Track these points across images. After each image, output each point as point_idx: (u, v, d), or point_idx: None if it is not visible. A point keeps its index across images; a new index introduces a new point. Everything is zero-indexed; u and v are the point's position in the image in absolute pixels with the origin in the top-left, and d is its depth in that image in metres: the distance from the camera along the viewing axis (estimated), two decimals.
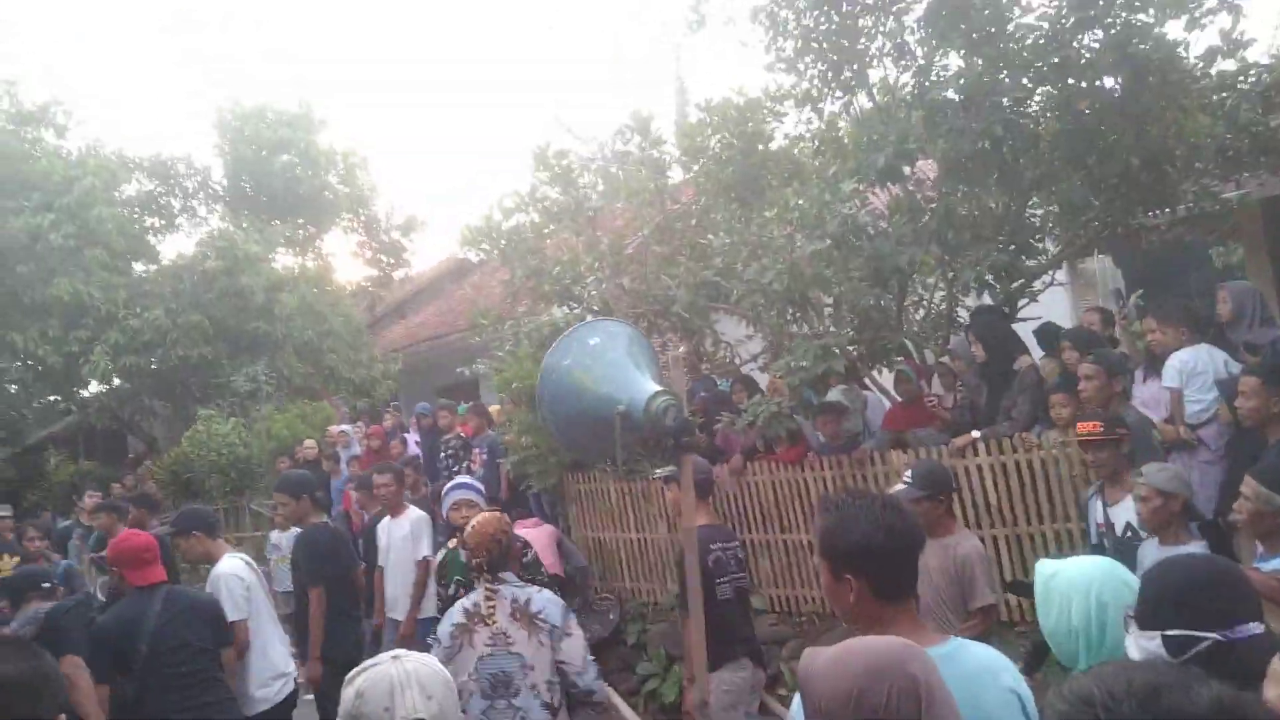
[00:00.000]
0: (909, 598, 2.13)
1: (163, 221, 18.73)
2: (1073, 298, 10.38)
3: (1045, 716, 1.34)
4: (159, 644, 4.38)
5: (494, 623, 3.77)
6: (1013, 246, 6.65)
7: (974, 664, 2.04)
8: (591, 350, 4.05)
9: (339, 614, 5.66)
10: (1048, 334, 6.89)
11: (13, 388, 15.33)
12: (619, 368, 3.95)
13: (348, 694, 1.77)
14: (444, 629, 3.87)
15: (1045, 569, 2.56)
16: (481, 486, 5.90)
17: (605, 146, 9.87)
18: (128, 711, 4.33)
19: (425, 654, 1.87)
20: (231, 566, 4.99)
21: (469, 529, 4.03)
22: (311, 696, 5.55)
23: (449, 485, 5.78)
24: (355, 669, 1.82)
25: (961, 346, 6.78)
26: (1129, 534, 4.28)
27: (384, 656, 1.83)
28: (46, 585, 4.92)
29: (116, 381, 16.22)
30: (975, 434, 6.16)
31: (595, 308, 7.93)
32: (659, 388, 3.77)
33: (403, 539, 6.51)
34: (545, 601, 3.90)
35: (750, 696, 4.81)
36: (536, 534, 7.24)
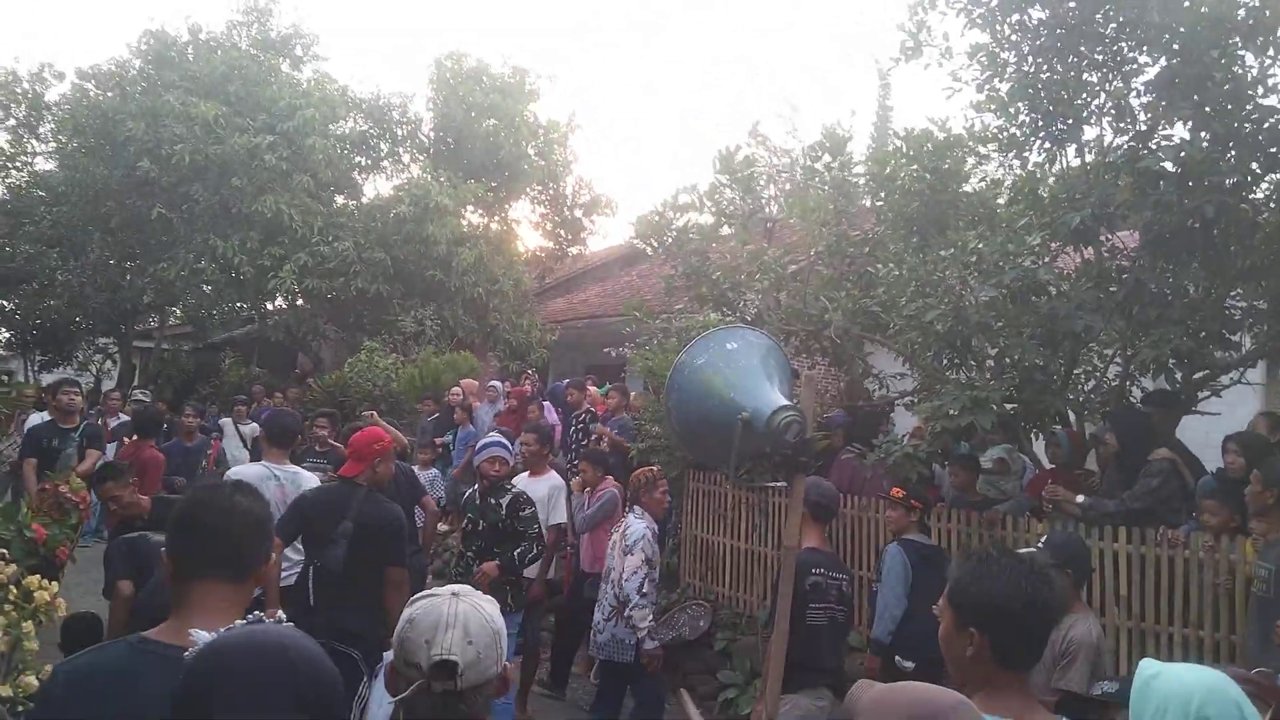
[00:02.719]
0: (1028, 668, 2.06)
1: (369, 161, 19.77)
2: (1266, 400, 9.59)
3: None
4: (360, 529, 4.63)
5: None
6: (1203, 334, 6.21)
7: None
8: (727, 354, 4.02)
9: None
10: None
11: (207, 288, 16.55)
12: (750, 376, 3.90)
13: (404, 615, 1.82)
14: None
15: (1148, 669, 2.40)
16: (509, 446, 6.27)
17: (797, 162, 9.80)
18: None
19: (488, 598, 1.87)
20: (242, 470, 5.62)
21: (638, 470, 6.15)
22: None
23: (486, 441, 6.24)
24: (419, 594, 1.87)
25: (1101, 434, 6.47)
26: None
27: (446, 590, 1.86)
28: None
29: (299, 302, 17.31)
30: (1080, 498, 5.86)
31: (749, 318, 7.88)
32: (786, 402, 3.72)
33: (538, 501, 6.42)
34: (634, 527, 5.75)
35: None
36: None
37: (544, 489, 6.68)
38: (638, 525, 5.76)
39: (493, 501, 5.84)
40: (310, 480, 5.55)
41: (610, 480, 7.24)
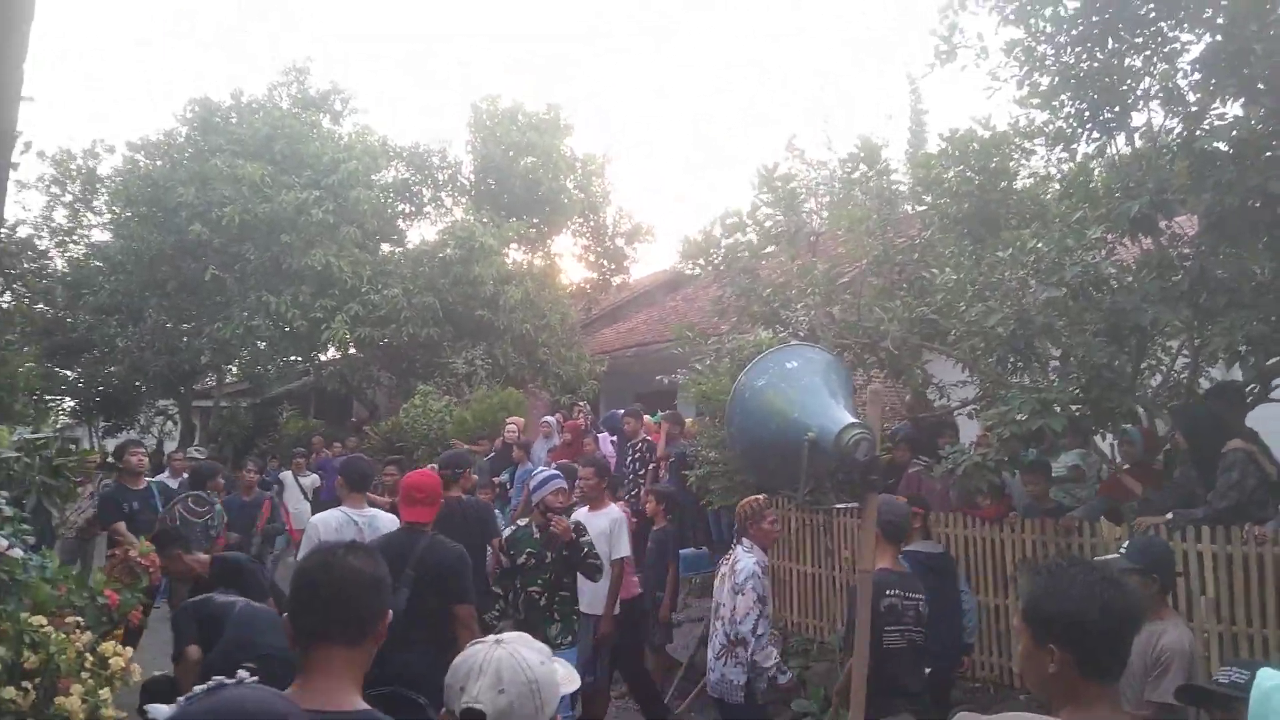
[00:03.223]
0: (1114, 679, 1.95)
1: (412, 208, 20.05)
2: None
3: None
4: (422, 573, 4.55)
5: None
6: (1275, 318, 5.97)
7: None
8: (788, 374, 3.94)
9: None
10: None
11: (261, 344, 16.83)
12: (814, 394, 3.81)
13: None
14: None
15: (1268, 680, 2.27)
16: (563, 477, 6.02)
17: (834, 174, 9.70)
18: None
19: (533, 649, 1.83)
20: (323, 517, 5.51)
21: (744, 500, 5.59)
22: None
23: (547, 474, 6.03)
24: (473, 642, 1.87)
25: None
26: None
27: (491, 638, 1.84)
28: None
29: (351, 351, 17.52)
30: (1169, 515, 5.62)
31: (801, 334, 7.76)
32: (853, 419, 3.62)
33: (599, 535, 6.32)
34: (743, 563, 5.25)
35: None
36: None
37: (605, 523, 6.56)
38: (746, 560, 5.30)
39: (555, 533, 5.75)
40: (389, 521, 5.53)
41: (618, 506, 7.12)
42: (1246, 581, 5.31)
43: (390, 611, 2.09)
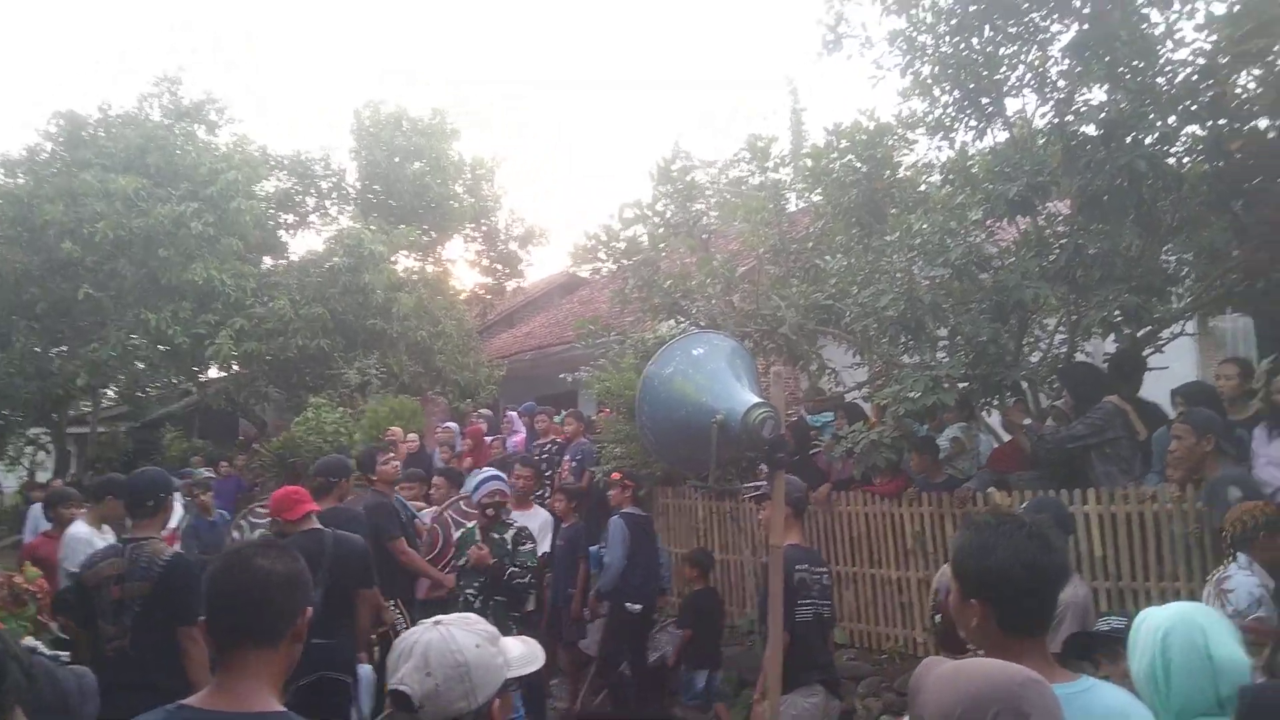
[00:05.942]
0: (1040, 634, 1.99)
1: (296, 218, 19.49)
2: (1200, 354, 9.84)
3: None
4: (334, 566, 4.82)
5: None
6: (1145, 290, 6.31)
7: (1104, 706, 1.90)
8: (694, 360, 3.99)
9: None
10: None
11: (140, 365, 16.09)
12: (720, 378, 3.87)
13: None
14: None
15: (1141, 615, 2.43)
16: (505, 479, 6.10)
17: (722, 173, 9.84)
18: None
19: (470, 631, 1.81)
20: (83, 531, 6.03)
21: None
22: None
23: (486, 475, 6.12)
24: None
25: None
26: None
27: (431, 620, 1.84)
28: None
29: (236, 367, 16.90)
30: (1028, 420, 6.29)
31: (703, 324, 7.84)
32: (758, 399, 3.68)
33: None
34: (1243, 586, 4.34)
35: None
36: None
37: (535, 524, 6.72)
38: (1246, 583, 3.89)
39: (496, 536, 5.73)
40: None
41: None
42: (1130, 538, 5.59)
43: (310, 609, 2.05)
